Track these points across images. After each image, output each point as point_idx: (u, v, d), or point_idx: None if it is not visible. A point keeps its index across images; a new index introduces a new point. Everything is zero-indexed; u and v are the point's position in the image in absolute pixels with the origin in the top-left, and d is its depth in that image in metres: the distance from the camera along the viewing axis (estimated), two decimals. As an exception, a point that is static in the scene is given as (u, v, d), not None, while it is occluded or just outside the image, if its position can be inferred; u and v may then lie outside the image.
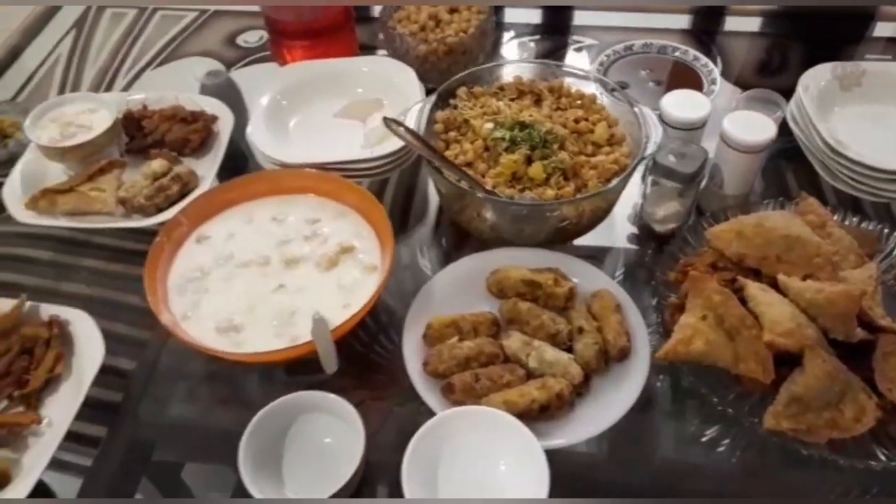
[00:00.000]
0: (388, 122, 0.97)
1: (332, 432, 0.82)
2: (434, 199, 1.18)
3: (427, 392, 0.87)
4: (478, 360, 0.89)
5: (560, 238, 1.03)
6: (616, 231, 1.13)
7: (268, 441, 0.80)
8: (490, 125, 1.06)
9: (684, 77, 1.27)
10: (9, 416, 0.84)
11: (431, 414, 0.84)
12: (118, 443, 0.89)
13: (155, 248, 0.94)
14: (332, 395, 0.81)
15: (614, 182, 0.98)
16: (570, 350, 0.91)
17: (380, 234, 0.98)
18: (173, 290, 0.93)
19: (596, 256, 1.08)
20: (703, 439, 0.90)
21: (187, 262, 0.96)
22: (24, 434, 0.85)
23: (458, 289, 0.98)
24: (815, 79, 1.15)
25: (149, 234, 1.07)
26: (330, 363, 0.80)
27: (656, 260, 1.05)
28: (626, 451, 0.87)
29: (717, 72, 1.25)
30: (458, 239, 1.10)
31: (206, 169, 1.14)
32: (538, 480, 0.75)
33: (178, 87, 1.28)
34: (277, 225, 1.00)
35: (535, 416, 0.83)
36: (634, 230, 1.12)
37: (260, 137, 1.11)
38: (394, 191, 1.18)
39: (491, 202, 0.98)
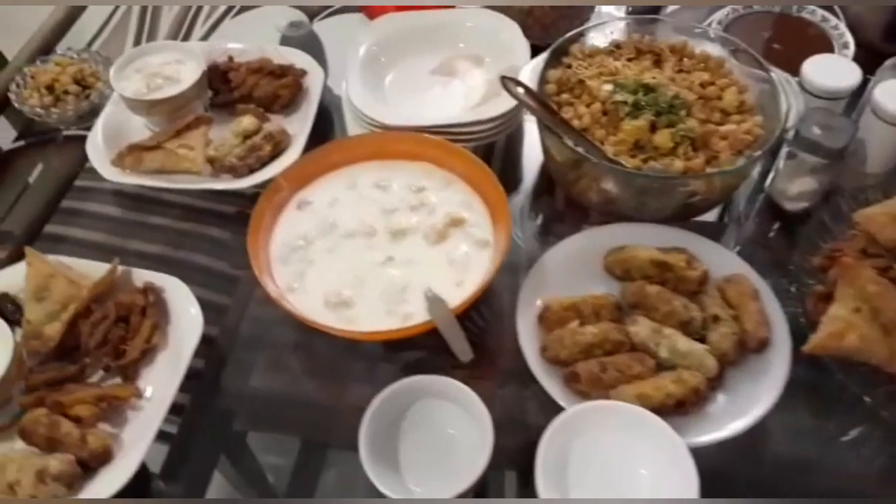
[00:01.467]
0: (505, 81, 0.89)
1: (455, 423, 0.76)
2: (534, 167, 1.09)
3: (547, 380, 0.81)
4: (602, 348, 0.82)
5: (684, 214, 0.95)
6: (735, 207, 1.04)
7: (384, 425, 0.75)
8: (609, 87, 0.97)
9: (811, 40, 1.16)
10: (108, 390, 0.80)
11: (551, 403, 0.79)
12: (201, 412, 0.85)
13: (256, 214, 0.88)
14: (458, 384, 0.75)
15: (755, 155, 0.88)
16: (702, 340, 0.83)
17: (491, 207, 0.90)
18: (276, 260, 0.87)
19: (712, 234, 1.00)
20: (845, 438, 0.83)
21: (289, 229, 0.90)
22: (123, 408, 0.81)
23: (572, 267, 0.91)
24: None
25: (233, 196, 1.02)
26: (463, 349, 0.74)
27: (786, 242, 0.97)
28: (762, 449, 0.81)
29: (848, 35, 1.13)
30: (568, 212, 1.03)
31: (297, 128, 1.07)
32: (685, 488, 0.68)
33: (257, 37, 1.20)
34: (381, 192, 0.94)
35: (669, 411, 0.77)
36: (756, 206, 1.03)
37: (357, 96, 1.04)
38: (493, 157, 1.10)
39: (615, 173, 0.90)
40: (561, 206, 1.04)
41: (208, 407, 0.86)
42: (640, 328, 0.83)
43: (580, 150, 0.90)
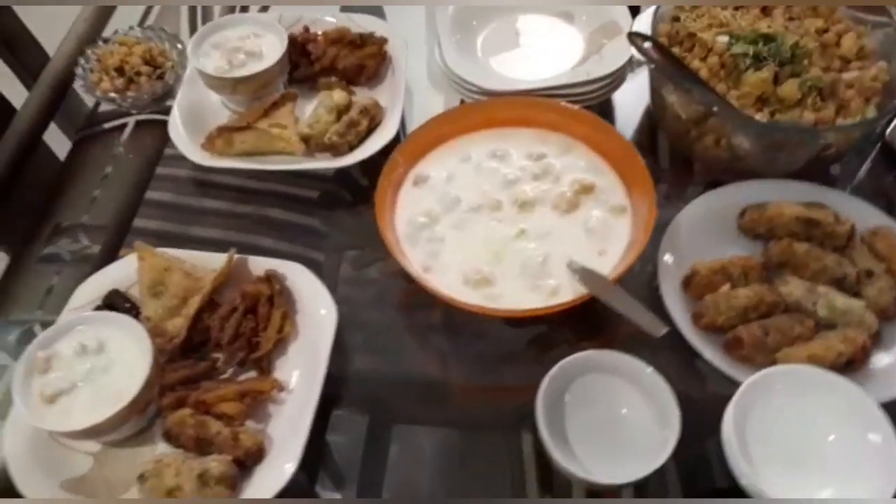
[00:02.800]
0: (633, 37, 0.85)
1: (626, 401, 0.72)
2: (630, 129, 1.04)
3: (705, 347, 0.78)
4: (757, 311, 0.79)
5: (813, 167, 0.91)
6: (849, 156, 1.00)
7: (552, 400, 0.71)
8: (725, 39, 0.92)
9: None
10: (249, 384, 0.76)
11: (710, 372, 0.76)
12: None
13: (379, 194, 0.83)
14: (633, 359, 0.71)
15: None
16: (855, 296, 0.80)
17: (621, 170, 0.86)
18: (406, 240, 0.83)
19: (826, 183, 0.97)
20: None
21: (411, 207, 0.86)
22: (265, 403, 0.77)
23: (704, 229, 0.87)
24: None
25: (307, 178, 0.97)
26: (651, 321, 0.70)
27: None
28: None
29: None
30: (679, 172, 0.98)
31: (388, 100, 1.01)
32: (883, 451, 0.66)
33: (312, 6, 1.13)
34: (500, 162, 0.89)
35: (839, 371, 0.74)
36: (871, 155, 1.00)
37: (453, 61, 0.98)
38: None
39: (751, 127, 0.86)
40: (669, 167, 1.00)
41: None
42: (793, 288, 0.80)
43: (712, 104, 0.86)
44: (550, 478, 0.73)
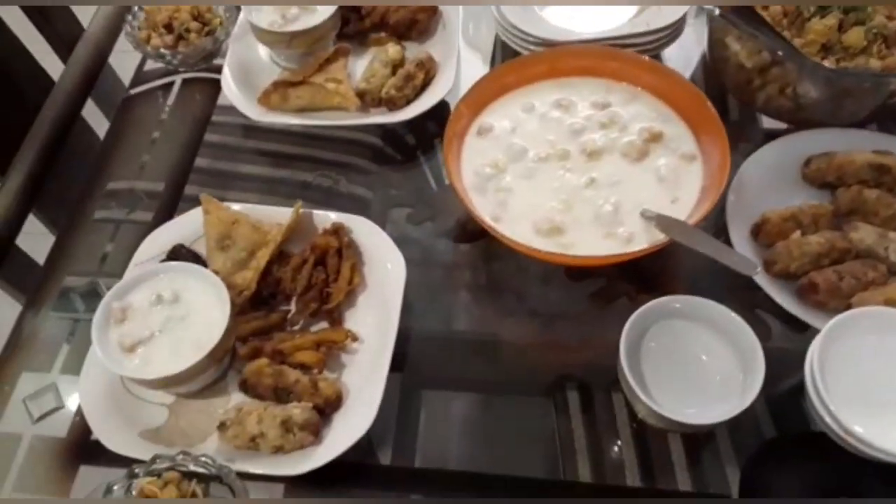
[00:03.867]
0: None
1: (710, 348, 0.72)
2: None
3: (778, 294, 0.77)
4: (829, 257, 0.78)
5: (877, 117, 0.90)
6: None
7: (632, 348, 0.71)
8: (788, -15, 0.91)
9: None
10: (325, 334, 0.76)
11: (784, 319, 0.75)
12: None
13: (446, 144, 0.82)
14: (714, 304, 0.71)
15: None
16: (927, 241, 0.80)
17: (689, 118, 0.85)
18: (473, 191, 0.82)
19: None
20: None
21: (476, 158, 0.85)
22: (340, 348, 0.76)
23: (769, 178, 0.87)
24: None
25: (367, 137, 0.96)
26: (745, 262, 0.69)
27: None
28: None
29: None
30: (741, 123, 0.97)
31: (440, 53, 1.00)
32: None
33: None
34: (564, 112, 0.88)
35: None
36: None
37: (510, 11, 0.97)
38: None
39: (820, 74, 0.84)
40: (730, 119, 0.99)
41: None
42: (864, 234, 0.80)
43: (780, 50, 0.84)
44: (599, 438, 0.73)
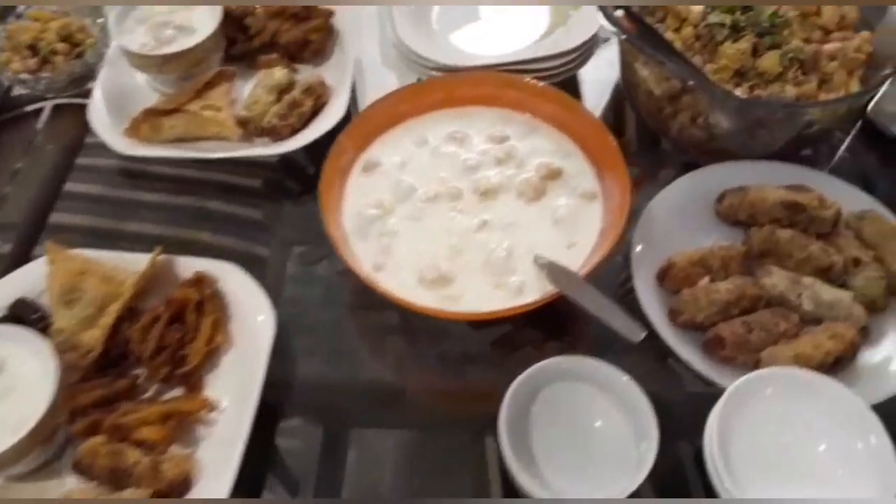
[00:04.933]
0: (603, 7, 0.76)
1: (603, 413, 0.65)
2: (598, 106, 0.96)
3: (683, 347, 0.71)
4: (739, 306, 0.72)
5: (793, 147, 0.85)
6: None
7: (518, 414, 0.64)
8: (700, 7, 0.85)
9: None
10: (174, 405, 0.67)
11: (689, 375, 0.69)
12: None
13: (324, 183, 0.74)
14: (606, 365, 0.64)
15: (885, 73, 0.78)
16: (842, 286, 0.74)
17: (591, 152, 0.79)
18: (355, 235, 0.74)
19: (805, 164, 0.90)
20: None
21: (361, 197, 0.77)
22: (194, 424, 0.68)
23: (680, 215, 0.81)
24: None
25: (249, 164, 0.88)
26: (629, 327, 0.62)
27: (888, 175, 0.89)
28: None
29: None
30: (656, 153, 0.91)
31: (334, 77, 0.92)
32: (878, 456, 0.60)
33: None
34: (459, 146, 0.81)
35: (827, 370, 0.68)
36: (853, 132, 0.94)
37: (407, 35, 0.89)
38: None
39: (731, 104, 0.78)
40: (642, 147, 0.93)
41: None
42: (777, 279, 0.74)
43: (688, 78, 0.78)
44: (515, 488, 0.66)
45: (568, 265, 0.70)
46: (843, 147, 0.93)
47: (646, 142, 0.93)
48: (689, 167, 0.84)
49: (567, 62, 0.88)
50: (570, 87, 0.97)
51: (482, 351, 0.76)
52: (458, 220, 0.75)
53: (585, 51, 0.89)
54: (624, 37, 0.78)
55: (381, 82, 0.96)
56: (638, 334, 0.62)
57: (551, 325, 0.75)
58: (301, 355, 0.75)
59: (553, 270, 0.68)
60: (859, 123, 0.94)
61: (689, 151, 0.88)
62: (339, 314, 0.79)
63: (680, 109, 0.83)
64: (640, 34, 0.78)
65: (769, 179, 0.81)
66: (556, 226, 0.75)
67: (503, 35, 0.93)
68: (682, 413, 0.68)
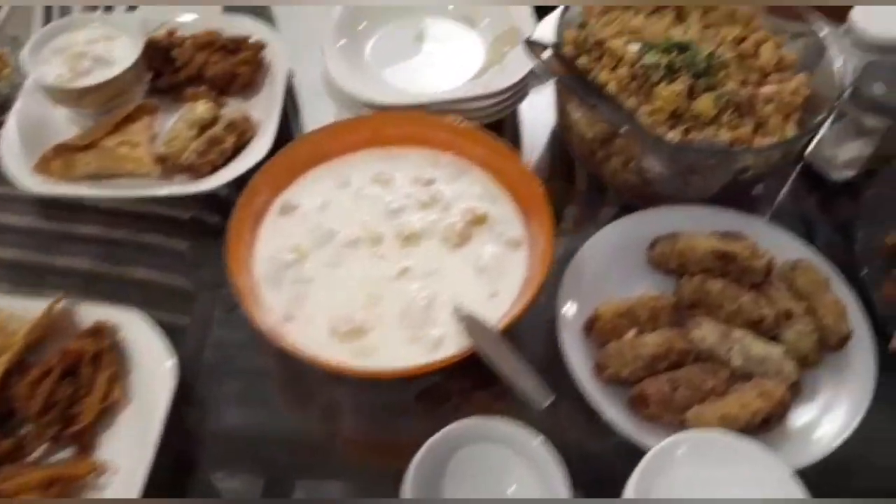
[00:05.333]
0: (531, 45, 0.74)
1: (518, 478, 0.61)
2: (540, 146, 0.94)
3: (608, 404, 0.68)
4: (667, 360, 0.70)
5: (729, 192, 0.82)
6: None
7: (427, 481, 0.60)
8: (636, 47, 0.83)
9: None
10: (60, 469, 0.62)
11: (613, 434, 0.66)
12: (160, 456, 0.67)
13: (234, 226, 0.71)
14: (517, 428, 0.61)
15: (818, 119, 0.77)
16: (773, 340, 0.72)
17: (519, 197, 0.76)
18: (265, 282, 0.70)
19: (743, 209, 0.88)
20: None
21: (275, 242, 0.73)
22: (83, 488, 0.63)
23: (611, 262, 0.78)
24: None
25: (182, 201, 0.84)
26: (537, 391, 0.59)
27: (837, 217, 0.87)
28: (859, 463, 0.70)
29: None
30: (590, 197, 0.89)
31: (262, 112, 0.89)
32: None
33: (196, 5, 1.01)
34: (383, 188, 0.78)
35: (754, 430, 0.65)
36: (792, 177, 0.92)
37: (337, 70, 0.86)
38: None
39: (662, 149, 0.76)
40: (579, 190, 0.90)
41: (169, 451, 0.69)
42: (706, 332, 0.71)
43: (618, 122, 0.76)
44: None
45: (489, 316, 0.67)
46: (783, 191, 0.91)
47: (589, 183, 0.90)
48: (630, 210, 0.82)
49: (499, 102, 0.85)
50: (512, 125, 0.95)
51: (410, 401, 0.73)
52: (377, 266, 0.72)
53: (518, 91, 0.86)
54: (552, 78, 0.76)
55: (322, 118, 0.93)
56: (543, 399, 0.58)
57: (481, 374, 0.71)
58: (224, 403, 0.72)
59: (471, 323, 0.65)
60: (800, 167, 0.92)
61: (625, 196, 0.86)
62: (264, 360, 0.76)
63: (613, 153, 0.81)
64: (570, 74, 0.75)
65: (704, 225, 0.79)
66: (480, 274, 0.72)
67: (437, 72, 0.90)
68: (607, 473, 0.65)
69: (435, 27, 0.95)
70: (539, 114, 0.94)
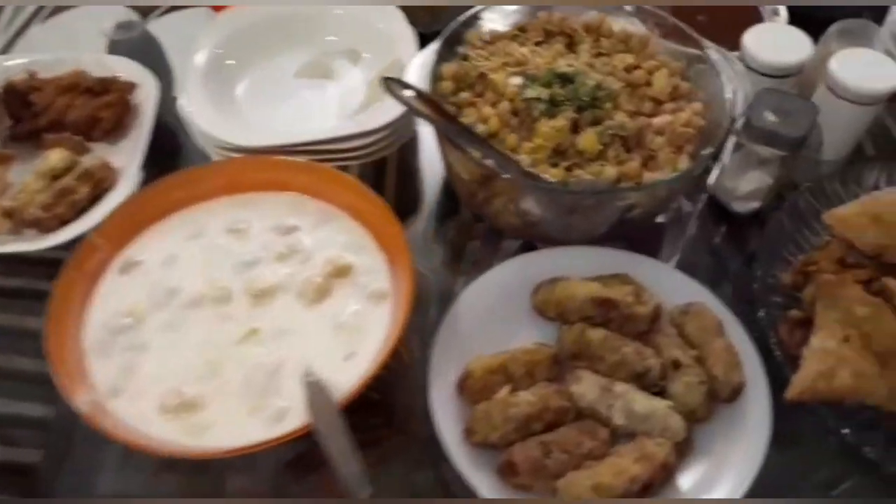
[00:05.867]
0: (388, 83, 0.68)
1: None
2: (437, 182, 0.89)
3: (475, 473, 0.62)
4: (542, 420, 0.63)
5: (618, 231, 0.77)
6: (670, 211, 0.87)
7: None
8: (518, 80, 0.78)
9: (737, 9, 1.01)
10: None
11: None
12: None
13: (61, 288, 0.64)
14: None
15: (705, 154, 0.72)
16: (661, 392, 0.66)
17: (386, 245, 0.70)
18: (93, 351, 0.63)
19: (647, 248, 0.83)
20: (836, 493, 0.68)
21: (111, 304, 0.66)
22: None
23: (494, 311, 0.72)
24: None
25: (45, 262, 0.77)
26: (355, 479, 0.52)
27: (739, 252, 0.82)
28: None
29: (778, -3, 0.99)
30: (483, 237, 0.83)
31: (126, 159, 0.83)
32: None
33: (77, 45, 0.96)
34: (237, 239, 0.71)
35: (634, 496, 0.59)
36: (697, 209, 0.87)
37: (199, 111, 0.80)
38: (386, 173, 0.89)
39: (535, 190, 0.71)
40: (473, 229, 0.85)
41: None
42: (586, 387, 0.65)
43: (490, 163, 0.71)
44: None
45: (344, 381, 0.60)
46: (688, 224, 0.86)
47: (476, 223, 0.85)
48: (532, 249, 0.77)
49: (378, 140, 0.79)
50: (404, 166, 0.90)
51: (275, 468, 0.66)
52: (222, 328, 0.65)
53: (396, 130, 0.80)
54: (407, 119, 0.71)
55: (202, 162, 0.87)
56: (361, 489, 0.52)
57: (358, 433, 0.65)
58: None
59: (313, 393, 0.59)
60: (706, 198, 0.87)
61: (516, 237, 0.80)
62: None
63: (494, 195, 0.75)
64: (436, 114, 0.70)
65: (593, 267, 0.73)
66: (337, 332, 0.65)
67: (314, 112, 0.85)
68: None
69: (313, 63, 0.90)
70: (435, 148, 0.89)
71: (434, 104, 0.70)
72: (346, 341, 0.65)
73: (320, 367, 0.62)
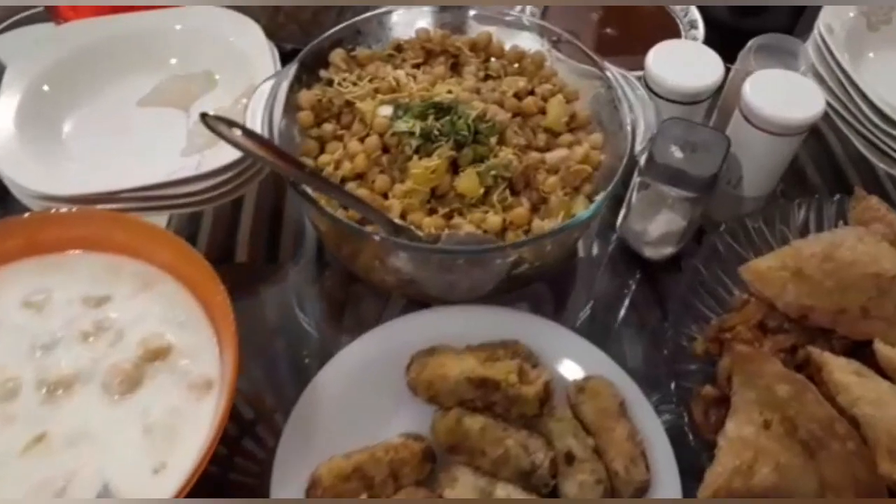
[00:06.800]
0: (209, 121, 0.55)
1: None
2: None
3: None
4: (404, 536, 0.51)
5: (509, 287, 0.66)
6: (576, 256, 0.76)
7: None
8: (388, 110, 0.67)
9: (650, 21, 0.91)
10: None
11: None
12: None
13: None
14: None
15: (600, 198, 0.61)
16: (553, 493, 0.55)
17: (214, 316, 0.57)
18: None
19: (546, 298, 0.72)
20: None
21: None
22: None
23: (361, 392, 0.60)
24: (839, 17, 0.81)
25: None
26: None
27: (653, 306, 0.71)
28: None
29: (695, 11, 0.89)
30: (364, 293, 0.71)
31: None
32: None
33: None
34: (34, 315, 0.57)
35: None
36: (608, 253, 0.77)
37: (7, 154, 0.66)
38: (243, 212, 0.76)
39: (400, 248, 0.59)
40: (348, 288, 0.72)
41: None
42: (462, 491, 0.53)
43: (344, 216, 0.58)
44: None
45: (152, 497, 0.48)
46: (597, 275, 0.75)
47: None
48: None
49: (219, 184, 0.66)
50: (269, 205, 0.77)
51: None
52: (3, 433, 0.52)
53: (244, 170, 0.68)
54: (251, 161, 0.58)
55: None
56: None
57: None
58: None
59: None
60: (614, 239, 0.77)
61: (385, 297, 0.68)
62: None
63: (359, 249, 0.63)
64: (273, 157, 0.57)
65: (483, 331, 0.61)
66: (147, 436, 0.52)
67: (156, 148, 0.71)
68: None
69: (159, 90, 0.76)
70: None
71: (269, 145, 0.57)
72: (157, 448, 0.51)
73: (120, 484, 0.49)
